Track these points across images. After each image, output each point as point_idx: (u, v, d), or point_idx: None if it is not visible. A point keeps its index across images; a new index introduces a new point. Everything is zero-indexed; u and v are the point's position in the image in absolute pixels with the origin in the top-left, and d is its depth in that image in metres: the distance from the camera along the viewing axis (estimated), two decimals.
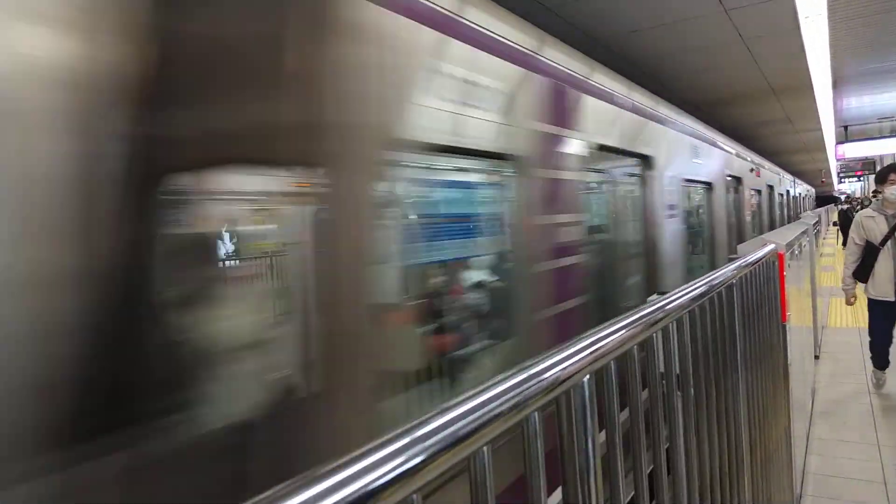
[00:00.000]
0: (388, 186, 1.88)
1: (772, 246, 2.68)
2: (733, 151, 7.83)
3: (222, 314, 1.39)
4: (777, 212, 12.22)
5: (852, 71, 8.18)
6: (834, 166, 22.62)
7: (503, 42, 2.54)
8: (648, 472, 1.20)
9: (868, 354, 5.24)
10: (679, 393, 1.40)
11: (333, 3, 1.66)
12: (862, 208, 7.30)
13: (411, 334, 2.23)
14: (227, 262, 1.50)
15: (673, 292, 1.43)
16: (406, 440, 0.59)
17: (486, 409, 0.70)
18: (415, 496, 0.58)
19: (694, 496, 1.42)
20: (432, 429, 0.62)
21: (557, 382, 0.83)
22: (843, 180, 26.17)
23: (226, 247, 1.47)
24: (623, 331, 1.07)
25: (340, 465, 0.53)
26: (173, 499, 1.20)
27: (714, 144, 6.57)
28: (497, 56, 2.47)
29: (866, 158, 17.41)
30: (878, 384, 5.12)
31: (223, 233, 1.46)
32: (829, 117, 11.85)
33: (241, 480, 1.33)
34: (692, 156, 5.49)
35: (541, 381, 0.80)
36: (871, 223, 4.91)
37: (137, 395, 1.15)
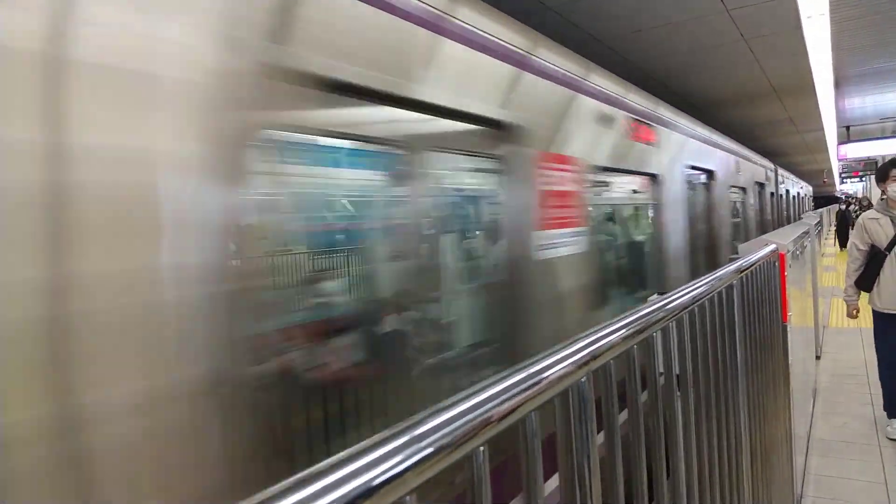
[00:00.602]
0: None
1: (773, 246, 2.68)
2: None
3: None
4: (759, 216, 10.10)
5: (854, 71, 8.17)
6: (836, 167, 22.59)
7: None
8: (648, 472, 1.20)
9: (873, 366, 4.45)
10: (679, 393, 1.40)
11: None
12: (862, 209, 7.17)
13: None
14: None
15: (673, 292, 1.43)
16: (403, 439, 0.59)
17: (483, 408, 0.69)
18: (407, 498, 0.57)
19: (693, 497, 1.42)
20: (429, 428, 0.62)
21: (555, 382, 0.83)
22: (844, 180, 26.13)
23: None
24: (623, 330, 1.06)
25: (337, 464, 0.53)
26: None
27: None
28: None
29: (868, 159, 17.37)
30: (892, 433, 4.14)
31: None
32: (831, 117, 11.82)
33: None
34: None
35: (539, 380, 0.80)
36: (875, 226, 4.24)
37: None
